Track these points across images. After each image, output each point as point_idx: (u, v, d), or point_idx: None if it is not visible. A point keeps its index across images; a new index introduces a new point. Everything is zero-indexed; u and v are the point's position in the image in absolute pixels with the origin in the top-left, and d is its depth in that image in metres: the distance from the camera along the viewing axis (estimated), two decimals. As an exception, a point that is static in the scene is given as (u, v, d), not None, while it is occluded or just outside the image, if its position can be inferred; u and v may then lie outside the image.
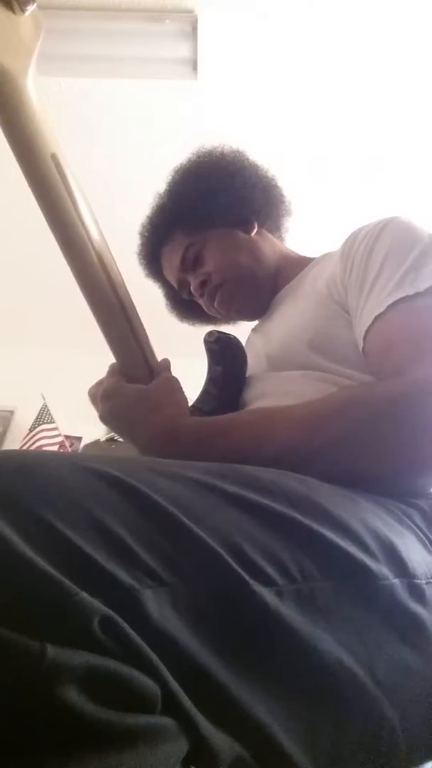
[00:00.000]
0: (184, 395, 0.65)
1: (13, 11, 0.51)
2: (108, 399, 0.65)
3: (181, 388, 0.65)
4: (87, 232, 0.57)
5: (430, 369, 0.50)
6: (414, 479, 0.53)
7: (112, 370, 0.68)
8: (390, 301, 0.58)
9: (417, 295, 0.57)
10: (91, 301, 0.61)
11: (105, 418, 0.66)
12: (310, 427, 0.51)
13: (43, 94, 0.53)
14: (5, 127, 0.53)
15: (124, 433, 0.65)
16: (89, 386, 0.71)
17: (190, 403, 0.71)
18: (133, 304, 0.64)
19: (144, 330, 0.66)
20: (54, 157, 0.54)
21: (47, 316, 3.44)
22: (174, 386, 0.64)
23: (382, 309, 0.58)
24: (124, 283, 0.63)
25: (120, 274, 0.62)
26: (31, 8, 0.52)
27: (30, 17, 0.52)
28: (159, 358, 0.69)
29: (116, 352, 0.66)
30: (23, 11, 0.51)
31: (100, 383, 0.68)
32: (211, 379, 0.76)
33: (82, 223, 0.57)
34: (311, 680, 0.34)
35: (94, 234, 0.58)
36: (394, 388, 0.51)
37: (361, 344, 0.62)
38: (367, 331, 0.60)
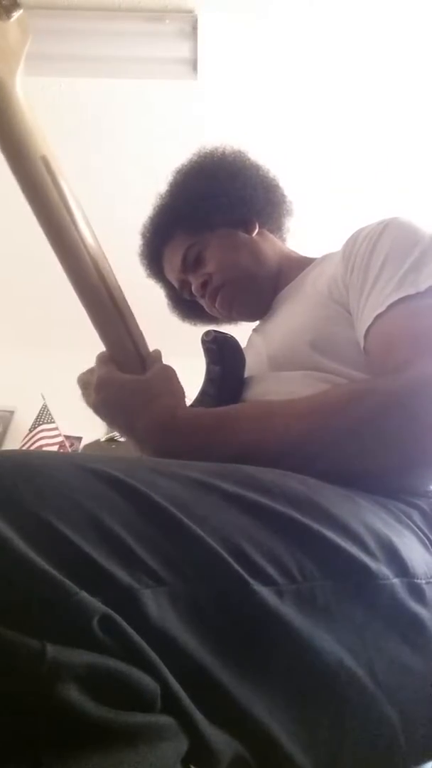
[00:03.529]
0: (181, 385, 0.64)
1: None
2: (103, 388, 0.63)
3: (177, 377, 0.64)
4: (78, 231, 0.58)
5: (430, 366, 0.50)
6: (415, 476, 0.53)
7: (103, 359, 0.66)
8: (391, 300, 0.58)
9: (418, 294, 0.57)
10: (84, 299, 0.61)
11: (98, 408, 0.64)
12: (312, 423, 0.51)
13: (41, 95, 0.53)
14: None
15: (119, 423, 0.63)
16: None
17: (188, 404, 0.71)
18: (126, 302, 0.64)
19: (139, 329, 0.66)
20: (44, 159, 0.54)
21: (47, 317, 3.44)
22: (171, 375, 0.64)
23: (382, 308, 0.58)
24: (117, 282, 0.63)
25: (113, 273, 0.62)
26: (17, 14, 0.53)
27: (16, 22, 0.54)
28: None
29: (110, 347, 0.66)
30: (9, 17, 0.52)
31: (91, 371, 0.67)
32: (209, 380, 0.76)
33: (74, 223, 0.57)
34: (311, 680, 0.34)
35: (86, 233, 0.59)
36: (395, 384, 0.51)
37: (362, 343, 0.62)
38: (367, 331, 0.60)
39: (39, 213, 0.56)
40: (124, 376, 0.63)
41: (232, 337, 0.76)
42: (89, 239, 0.59)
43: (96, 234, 0.61)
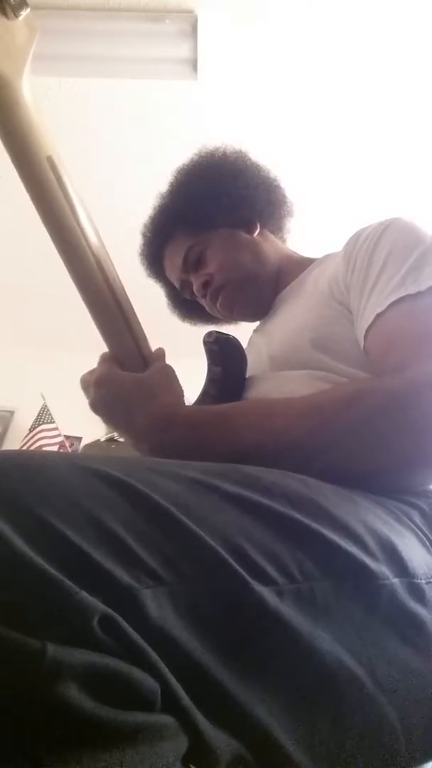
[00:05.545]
0: (180, 384, 0.64)
1: (7, 16, 0.52)
2: (102, 386, 0.63)
3: (176, 376, 0.64)
4: (83, 232, 0.57)
5: (430, 366, 0.50)
6: (414, 475, 0.53)
7: (104, 358, 0.66)
8: (391, 299, 0.58)
9: (418, 294, 0.57)
10: (87, 300, 0.61)
11: (97, 406, 0.64)
12: (312, 422, 0.51)
13: (42, 95, 0.53)
14: (1, 131, 0.53)
15: (118, 420, 0.63)
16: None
17: (189, 404, 0.71)
18: (129, 302, 0.64)
19: (141, 328, 0.66)
20: (50, 159, 0.54)
21: (47, 317, 3.44)
22: (170, 374, 0.64)
23: (383, 307, 0.58)
24: (121, 282, 0.63)
25: (117, 274, 0.63)
26: (24, 13, 0.52)
27: (24, 21, 0.53)
28: None
29: (112, 348, 0.66)
30: (17, 16, 0.52)
31: (92, 372, 0.67)
32: (210, 380, 0.76)
33: (78, 224, 0.57)
34: (311, 680, 0.34)
35: (91, 234, 0.59)
36: (395, 383, 0.51)
37: (362, 342, 0.62)
38: (368, 330, 0.60)
39: (43, 214, 0.56)
40: (123, 374, 0.63)
41: (233, 337, 0.76)
42: (94, 240, 0.59)
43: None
